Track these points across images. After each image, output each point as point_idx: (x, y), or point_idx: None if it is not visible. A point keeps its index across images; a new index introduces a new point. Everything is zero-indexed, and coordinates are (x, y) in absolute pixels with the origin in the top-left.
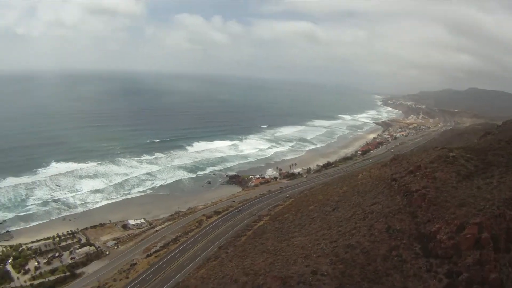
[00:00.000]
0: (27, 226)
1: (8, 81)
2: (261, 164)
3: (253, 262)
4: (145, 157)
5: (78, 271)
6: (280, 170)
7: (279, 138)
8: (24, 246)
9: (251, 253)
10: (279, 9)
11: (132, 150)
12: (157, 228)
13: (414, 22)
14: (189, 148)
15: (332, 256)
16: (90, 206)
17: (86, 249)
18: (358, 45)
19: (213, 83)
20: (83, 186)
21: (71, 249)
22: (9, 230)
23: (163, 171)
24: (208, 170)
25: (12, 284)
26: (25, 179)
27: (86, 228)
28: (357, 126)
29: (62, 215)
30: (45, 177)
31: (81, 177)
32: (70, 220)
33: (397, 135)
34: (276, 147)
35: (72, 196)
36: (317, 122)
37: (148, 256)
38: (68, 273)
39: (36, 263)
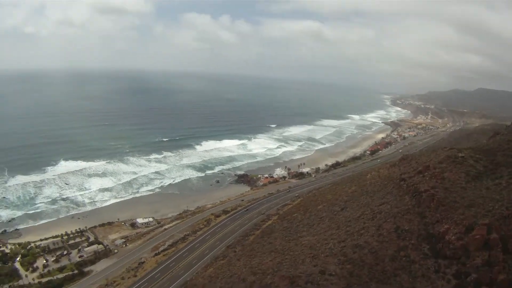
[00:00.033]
0: (36, 224)
1: (17, 80)
2: (269, 164)
3: (261, 262)
4: (153, 156)
5: (86, 269)
6: (289, 169)
7: (288, 137)
8: (32, 244)
9: (259, 252)
10: (287, 8)
11: (141, 149)
12: (166, 226)
13: (422, 22)
14: (197, 147)
15: (340, 256)
16: (98, 205)
17: (95, 247)
18: (365, 44)
19: (221, 82)
20: (91, 184)
21: (80, 247)
22: (18, 228)
23: (172, 170)
24: (217, 169)
25: (21, 282)
26: (34, 178)
27: (95, 227)
28: (366, 125)
29: (70, 213)
30: (54, 175)
31: (89, 175)
32: (78, 218)
33: (406, 135)
34: (285, 146)
35: (80, 195)
36: (326, 122)
37: (156, 254)
38: (76, 271)
39: (45, 261)
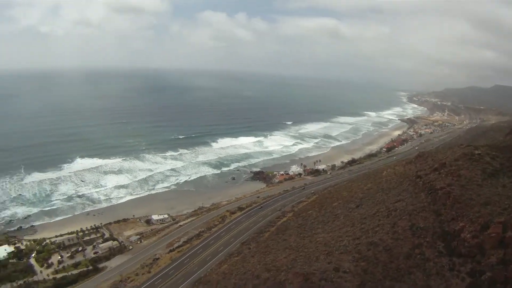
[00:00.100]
0: (51, 221)
1: (33, 79)
2: (285, 161)
3: (275, 258)
4: (169, 153)
5: (100, 265)
6: (305, 166)
7: (304, 134)
8: (48, 241)
9: (274, 249)
10: (304, 6)
11: (157, 146)
12: (181, 223)
13: (439, 18)
14: (213, 144)
15: (354, 253)
16: (114, 202)
17: (109, 243)
18: (382, 41)
19: (237, 80)
20: (107, 181)
21: (94, 244)
22: (33, 224)
23: (188, 167)
24: (233, 166)
25: (35, 278)
26: (50, 175)
27: (110, 223)
28: (382, 123)
29: (86, 210)
30: (69, 172)
31: (105, 172)
32: (94, 215)
33: (422, 132)
34: (301, 143)
35: (96, 192)
36: (342, 119)
37: (170, 251)
38: (90, 267)
39: (59, 257)
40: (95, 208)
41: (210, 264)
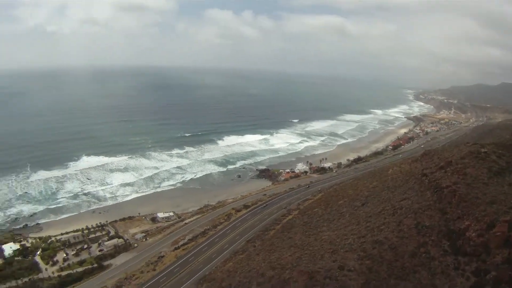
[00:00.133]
0: (57, 219)
1: (40, 78)
2: (291, 159)
3: (280, 256)
4: (175, 151)
5: (106, 263)
6: (311, 164)
7: (310, 132)
8: (53, 238)
9: (279, 247)
10: (309, 3)
11: (163, 144)
12: (186, 221)
13: (446, 16)
14: (219, 142)
15: (359, 252)
16: (120, 199)
17: (115, 241)
18: (389, 39)
19: (244, 77)
20: (113, 179)
21: (100, 241)
22: (39, 222)
23: (194, 165)
24: (238, 164)
25: (40, 275)
26: (56, 173)
27: (115, 221)
28: (388, 120)
29: (91, 208)
30: (75, 170)
31: (111, 170)
32: (99, 213)
33: (429, 130)
34: (307, 141)
35: (102, 189)
36: (349, 117)
37: (176, 249)
38: (96, 265)
39: (65, 255)
40: (101, 206)
41: (215, 262)
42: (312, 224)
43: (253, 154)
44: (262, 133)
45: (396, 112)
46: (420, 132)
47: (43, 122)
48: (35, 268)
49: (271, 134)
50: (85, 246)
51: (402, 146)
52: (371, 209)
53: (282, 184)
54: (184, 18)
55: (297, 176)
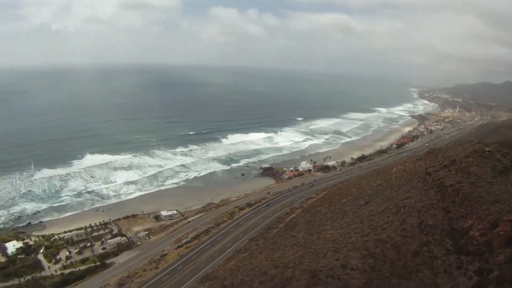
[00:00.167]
0: (60, 217)
1: (44, 76)
2: (295, 157)
3: (283, 255)
4: (179, 149)
5: (108, 261)
6: (314, 162)
7: (314, 130)
8: (56, 236)
9: (282, 246)
10: (315, 1)
11: (167, 142)
12: (189, 219)
13: (451, 14)
14: (224, 140)
15: (362, 250)
16: (123, 197)
17: (118, 239)
18: (394, 37)
19: (248, 75)
20: (117, 177)
21: (103, 239)
22: (42, 220)
23: (197, 163)
24: (242, 162)
25: (43, 273)
26: (60, 171)
27: (119, 219)
28: (392, 119)
29: (95, 206)
30: (79, 169)
31: (115, 168)
32: (103, 211)
33: (433, 128)
34: (311, 139)
35: (106, 188)
36: (353, 115)
37: (178, 247)
38: (98, 263)
39: (68, 253)
40: (104, 204)
41: (218, 260)
42: (315, 223)
43: (257, 152)
44: (266, 131)
45: (400, 110)
46: (424, 130)
47: (48, 120)
48: (38, 266)
49: (276, 132)
50: (88, 244)
51: (406, 145)
52: (374, 208)
53: (286, 182)
54: (188, 16)
55: (300, 174)
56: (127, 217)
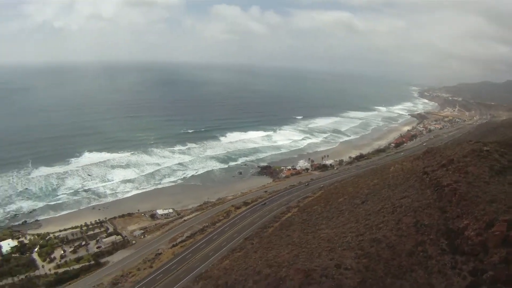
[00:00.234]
0: (56, 215)
1: (46, 73)
2: (293, 155)
3: (277, 254)
4: (178, 147)
5: (103, 260)
6: (312, 161)
7: (313, 129)
8: (51, 235)
9: (277, 245)
10: None
11: (166, 141)
12: (185, 218)
13: (453, 12)
14: (222, 138)
15: (357, 250)
16: (120, 196)
17: (113, 238)
18: (396, 35)
19: (250, 73)
20: (114, 176)
21: (98, 238)
22: (38, 219)
23: (195, 162)
24: (240, 160)
25: (37, 272)
26: (57, 169)
27: (114, 218)
28: (392, 118)
29: (91, 205)
30: (77, 167)
31: (113, 167)
32: (99, 209)
33: (432, 127)
34: (310, 138)
35: (102, 186)
36: (352, 114)
37: (173, 246)
38: (93, 262)
39: (62, 252)
40: (101, 203)
41: (212, 259)
42: (311, 222)
43: (255, 150)
44: (265, 130)
45: (400, 109)
46: (423, 129)
47: (48, 118)
48: (32, 265)
49: (274, 130)
50: (83, 243)
51: (405, 144)
52: (370, 207)
53: (283, 181)
54: (191, 14)
55: (298, 173)
56: (123, 216)
